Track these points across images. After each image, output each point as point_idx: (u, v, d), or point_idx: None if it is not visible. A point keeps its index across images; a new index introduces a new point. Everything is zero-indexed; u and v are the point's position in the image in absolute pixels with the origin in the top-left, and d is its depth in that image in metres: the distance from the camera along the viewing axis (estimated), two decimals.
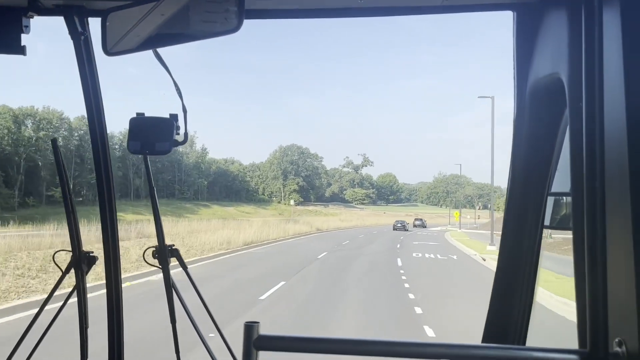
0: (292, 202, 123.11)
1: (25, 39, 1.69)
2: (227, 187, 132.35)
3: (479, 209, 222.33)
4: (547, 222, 1.50)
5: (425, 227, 78.23)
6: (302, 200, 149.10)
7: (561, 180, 1.40)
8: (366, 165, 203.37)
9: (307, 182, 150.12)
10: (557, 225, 1.46)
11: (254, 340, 1.01)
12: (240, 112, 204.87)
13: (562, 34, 1.19)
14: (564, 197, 1.42)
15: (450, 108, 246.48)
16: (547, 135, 1.43)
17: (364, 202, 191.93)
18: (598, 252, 0.97)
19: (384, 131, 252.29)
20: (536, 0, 1.37)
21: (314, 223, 55.78)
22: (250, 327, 1.02)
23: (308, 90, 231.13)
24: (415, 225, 79.12)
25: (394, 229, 66.01)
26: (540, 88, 1.37)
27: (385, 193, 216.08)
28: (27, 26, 1.67)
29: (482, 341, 1.60)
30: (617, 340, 0.93)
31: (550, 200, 1.48)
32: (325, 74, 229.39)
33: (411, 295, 15.60)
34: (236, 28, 1.38)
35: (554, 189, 1.47)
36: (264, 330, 1.04)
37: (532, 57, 1.40)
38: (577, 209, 1.06)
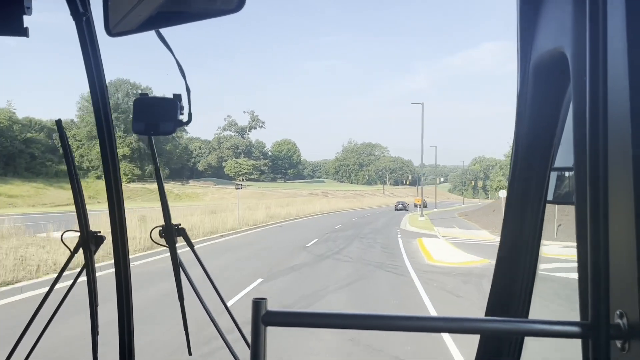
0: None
1: (27, 20, 1.67)
2: (6, 154, 72.92)
3: (406, 183, 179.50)
4: (550, 197, 1.49)
5: (426, 206, 72.27)
6: (139, 172, 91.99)
7: (564, 155, 1.40)
8: (255, 128, 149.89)
9: (146, 144, 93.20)
10: (560, 199, 1.46)
11: (262, 316, 1.03)
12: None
13: (566, 7, 1.19)
14: (567, 172, 1.41)
15: (356, 88, 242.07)
16: (550, 109, 1.43)
17: (252, 176, 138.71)
18: (600, 226, 1.00)
19: (288, 111, 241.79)
20: None
21: None
22: (258, 304, 1.03)
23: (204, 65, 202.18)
24: (416, 205, 79.08)
25: (395, 209, 72.56)
26: (544, 62, 1.37)
27: (283, 166, 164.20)
28: (29, 7, 1.66)
29: (486, 314, 1.62)
30: (618, 312, 0.96)
31: (553, 175, 1.48)
32: (228, 52, 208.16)
33: None
34: (238, 7, 1.38)
35: (556, 164, 1.47)
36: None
37: (535, 30, 1.39)
38: (580, 184, 1.08)
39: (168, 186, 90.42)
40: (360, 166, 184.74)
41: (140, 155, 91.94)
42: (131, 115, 1.89)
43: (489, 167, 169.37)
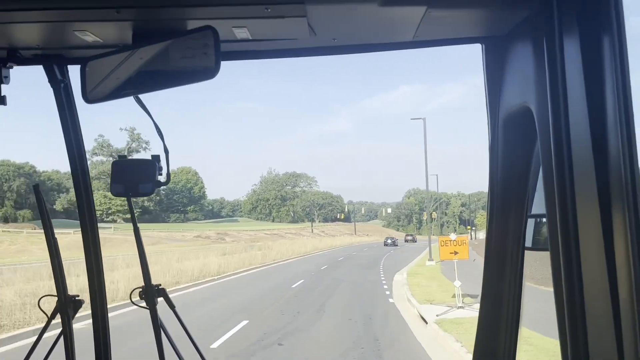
0: None
1: (5, 89, 1.69)
2: None
3: (341, 218, 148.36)
4: (528, 243, 1.52)
5: (416, 242, 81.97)
6: None
7: (540, 202, 1.40)
8: (138, 151, 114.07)
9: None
10: (538, 246, 1.47)
11: None
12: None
13: (528, 65, 1.26)
14: (544, 219, 1.43)
15: (278, 129, 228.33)
16: (521, 160, 1.48)
17: (128, 215, 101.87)
18: (574, 271, 1.01)
19: (205, 149, 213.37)
20: (502, 33, 1.43)
21: None
22: None
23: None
24: (406, 241, 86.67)
25: (385, 245, 72.70)
26: (511, 116, 1.42)
27: (180, 201, 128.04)
28: (7, 77, 1.68)
29: None
30: (597, 356, 0.96)
31: (531, 222, 1.51)
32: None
33: None
34: (214, 74, 1.41)
35: (533, 211, 1.50)
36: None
37: (501, 87, 1.46)
38: (553, 230, 1.10)
39: None
40: (282, 200, 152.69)
41: None
42: None
43: (424, 200, 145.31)
